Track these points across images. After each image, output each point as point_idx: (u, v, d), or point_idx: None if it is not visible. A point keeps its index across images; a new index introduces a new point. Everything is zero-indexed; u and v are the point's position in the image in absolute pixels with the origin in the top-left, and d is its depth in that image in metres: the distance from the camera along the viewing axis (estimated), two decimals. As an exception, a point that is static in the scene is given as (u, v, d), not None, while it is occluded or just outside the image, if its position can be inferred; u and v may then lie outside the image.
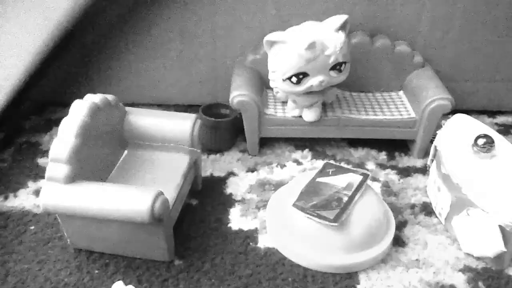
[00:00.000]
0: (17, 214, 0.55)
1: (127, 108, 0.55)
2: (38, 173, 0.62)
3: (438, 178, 0.55)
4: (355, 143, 0.69)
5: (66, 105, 0.80)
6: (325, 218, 0.47)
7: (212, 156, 0.67)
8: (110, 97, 0.51)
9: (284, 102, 0.66)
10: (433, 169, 0.57)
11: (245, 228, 0.54)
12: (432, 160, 0.58)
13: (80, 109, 0.46)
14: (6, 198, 0.58)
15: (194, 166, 0.56)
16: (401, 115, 0.66)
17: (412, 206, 0.58)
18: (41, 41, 0.62)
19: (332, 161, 0.58)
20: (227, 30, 0.70)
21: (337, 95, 0.68)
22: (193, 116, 0.55)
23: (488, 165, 0.50)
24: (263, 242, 0.52)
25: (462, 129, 0.55)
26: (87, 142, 0.46)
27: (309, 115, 0.63)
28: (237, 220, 0.55)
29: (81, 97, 0.48)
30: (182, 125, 0.54)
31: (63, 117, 0.46)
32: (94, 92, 0.50)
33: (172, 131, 0.54)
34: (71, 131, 0.45)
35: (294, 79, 0.58)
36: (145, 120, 0.55)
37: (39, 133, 0.72)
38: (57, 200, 0.44)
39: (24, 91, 0.65)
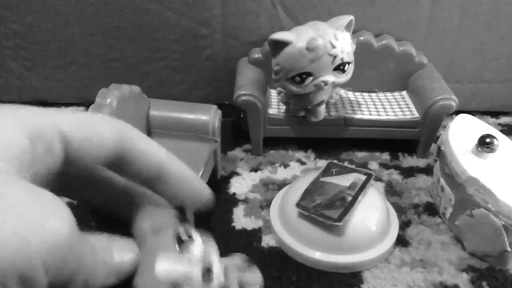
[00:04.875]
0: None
1: (150, 100, 0.56)
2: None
3: (441, 178, 0.55)
4: (358, 143, 0.69)
5: (68, 104, 0.80)
6: (329, 218, 0.47)
7: (215, 156, 0.67)
8: (135, 87, 0.51)
9: (288, 102, 0.66)
10: (436, 169, 0.57)
11: (249, 228, 0.54)
12: (436, 160, 0.58)
13: (107, 97, 0.46)
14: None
15: (214, 156, 0.57)
16: (404, 115, 0.66)
17: (416, 206, 0.58)
18: None
19: (335, 161, 0.58)
20: (231, 30, 0.70)
21: (340, 95, 0.68)
22: (214, 107, 0.57)
23: (491, 165, 0.50)
24: (267, 241, 0.52)
25: (465, 129, 0.55)
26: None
27: (313, 115, 0.64)
28: (240, 219, 0.55)
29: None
30: (203, 115, 0.56)
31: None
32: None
33: (194, 121, 0.56)
34: None
35: (297, 79, 0.58)
36: (168, 110, 0.57)
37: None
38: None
39: None
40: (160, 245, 0.20)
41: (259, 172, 0.64)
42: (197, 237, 0.21)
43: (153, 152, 0.21)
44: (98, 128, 0.20)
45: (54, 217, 0.15)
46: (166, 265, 0.19)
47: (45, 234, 0.14)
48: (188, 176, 0.21)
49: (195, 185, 0.22)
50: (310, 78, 0.57)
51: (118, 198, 0.22)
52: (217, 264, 0.21)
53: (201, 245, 0.21)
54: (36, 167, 0.17)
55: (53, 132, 0.18)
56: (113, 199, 0.22)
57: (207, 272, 0.20)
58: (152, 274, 0.19)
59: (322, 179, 0.53)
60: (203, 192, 0.22)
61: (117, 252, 0.19)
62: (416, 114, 0.66)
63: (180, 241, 0.20)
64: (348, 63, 0.58)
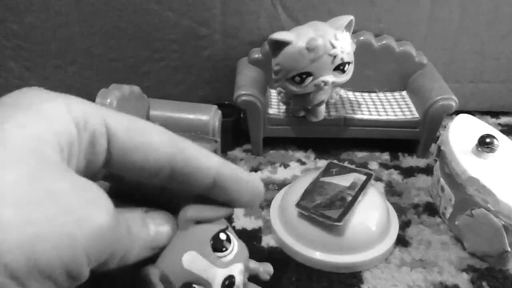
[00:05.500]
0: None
1: (150, 100, 0.56)
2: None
3: (441, 178, 0.55)
4: (358, 143, 0.69)
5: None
6: (329, 218, 0.47)
7: (215, 156, 0.67)
8: (135, 87, 0.52)
9: (288, 102, 0.66)
10: (436, 169, 0.57)
11: (249, 228, 0.54)
12: (436, 160, 0.58)
13: (107, 97, 0.47)
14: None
15: None
16: (404, 115, 0.66)
17: (416, 206, 0.58)
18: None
19: (335, 161, 0.58)
20: (231, 30, 0.70)
21: (340, 95, 0.68)
22: (214, 107, 0.57)
23: (491, 165, 0.50)
24: (267, 241, 0.52)
25: (465, 129, 0.55)
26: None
27: (313, 115, 0.64)
28: (240, 219, 0.55)
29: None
30: (203, 115, 0.57)
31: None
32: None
33: (194, 121, 0.57)
34: None
35: (297, 79, 0.58)
36: (168, 110, 0.57)
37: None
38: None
39: None
40: (198, 236, 0.20)
41: (259, 172, 0.64)
42: (234, 241, 0.21)
43: (208, 162, 0.19)
44: (149, 134, 0.18)
45: (98, 211, 0.15)
46: (194, 257, 0.19)
47: (90, 228, 0.15)
48: (246, 179, 0.20)
49: (251, 186, 0.21)
50: (310, 78, 0.57)
51: (158, 192, 0.21)
52: (241, 273, 0.21)
53: (234, 251, 0.21)
54: (80, 158, 0.17)
55: (99, 125, 0.17)
56: (150, 193, 0.21)
57: (229, 278, 0.20)
58: (178, 259, 0.19)
59: (322, 179, 0.53)
60: (259, 190, 0.21)
61: (152, 225, 0.19)
62: (416, 114, 0.66)
63: (217, 240, 0.20)
64: (348, 63, 0.58)
